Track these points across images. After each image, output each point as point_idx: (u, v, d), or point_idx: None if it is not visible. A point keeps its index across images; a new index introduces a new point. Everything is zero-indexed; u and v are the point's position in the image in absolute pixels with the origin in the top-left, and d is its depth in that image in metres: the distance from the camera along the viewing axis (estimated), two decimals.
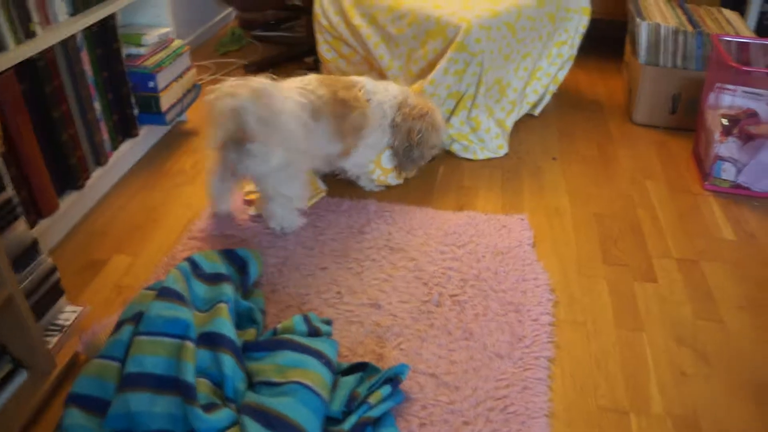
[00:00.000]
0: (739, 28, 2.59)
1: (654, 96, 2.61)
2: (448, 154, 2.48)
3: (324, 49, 2.73)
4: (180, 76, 2.56)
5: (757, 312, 1.78)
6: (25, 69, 1.80)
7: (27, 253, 1.56)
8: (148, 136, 2.52)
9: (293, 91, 1.91)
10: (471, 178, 2.34)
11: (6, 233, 1.49)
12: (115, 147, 2.28)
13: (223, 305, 1.59)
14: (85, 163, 2.10)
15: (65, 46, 1.96)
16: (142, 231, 2.06)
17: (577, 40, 2.65)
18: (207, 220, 2.08)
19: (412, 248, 1.97)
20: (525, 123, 2.72)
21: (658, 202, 2.23)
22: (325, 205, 2.16)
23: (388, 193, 2.24)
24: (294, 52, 3.26)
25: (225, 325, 1.53)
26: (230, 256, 1.86)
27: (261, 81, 1.77)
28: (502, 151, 2.47)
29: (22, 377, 1.50)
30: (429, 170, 2.37)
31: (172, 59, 2.48)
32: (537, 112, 2.74)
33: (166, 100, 2.45)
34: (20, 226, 1.53)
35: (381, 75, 2.52)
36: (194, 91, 2.69)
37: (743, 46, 2.42)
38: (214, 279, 1.72)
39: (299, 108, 1.88)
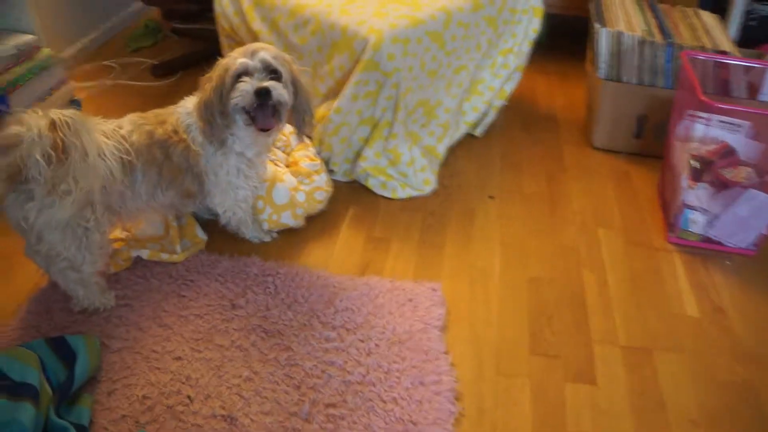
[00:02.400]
0: (718, 38, 2.12)
1: (616, 117, 2.17)
2: (363, 191, 2.05)
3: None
4: (48, 94, 2.13)
5: (713, 429, 1.39)
6: None
7: None
8: None
9: (105, 135, 1.52)
10: (384, 226, 1.92)
11: None
12: None
13: None
14: None
15: None
16: None
17: (526, 47, 2.20)
18: (53, 287, 1.69)
19: (290, 332, 1.57)
20: (463, 146, 2.27)
21: (610, 261, 1.81)
22: (198, 266, 1.76)
23: (277, 248, 1.83)
24: (214, 49, 2.81)
25: None
26: (57, 346, 1.48)
27: (68, 112, 1.39)
28: (429, 187, 2.03)
29: None
30: (336, 213, 1.96)
31: (33, 74, 2.06)
32: (479, 132, 2.29)
33: None
34: None
35: None
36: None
37: (722, 63, 1.97)
38: (18, 392, 1.34)
39: (110, 155, 1.47)
